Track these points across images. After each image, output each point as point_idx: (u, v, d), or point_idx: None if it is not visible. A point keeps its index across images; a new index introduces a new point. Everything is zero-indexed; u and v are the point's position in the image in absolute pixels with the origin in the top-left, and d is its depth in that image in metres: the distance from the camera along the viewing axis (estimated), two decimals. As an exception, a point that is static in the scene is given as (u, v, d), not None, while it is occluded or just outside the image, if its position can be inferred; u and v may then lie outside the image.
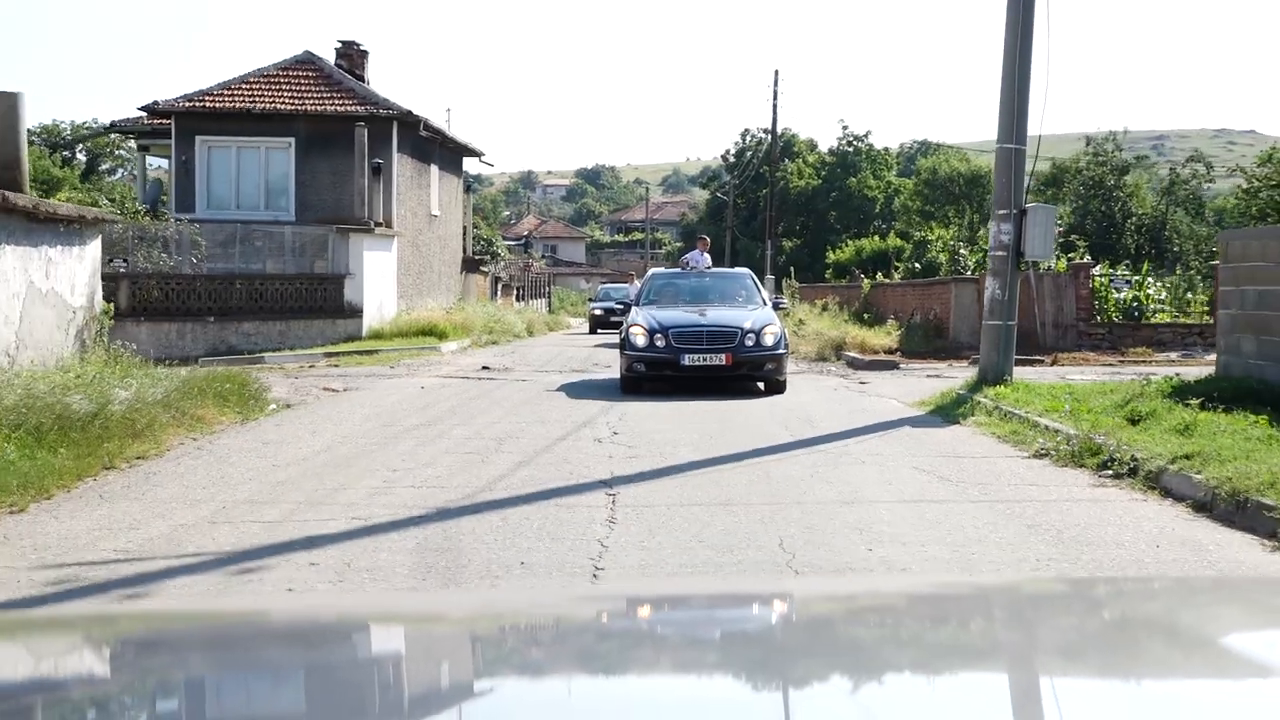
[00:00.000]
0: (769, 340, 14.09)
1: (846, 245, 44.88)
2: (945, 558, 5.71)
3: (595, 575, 5.36)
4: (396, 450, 9.35)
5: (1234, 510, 6.64)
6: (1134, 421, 9.43)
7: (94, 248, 13.22)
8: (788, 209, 60.33)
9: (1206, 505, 6.91)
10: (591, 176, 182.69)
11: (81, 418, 9.07)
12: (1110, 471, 8.11)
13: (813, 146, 68.28)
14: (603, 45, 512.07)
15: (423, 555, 5.77)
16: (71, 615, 2.91)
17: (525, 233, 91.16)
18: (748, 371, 14.20)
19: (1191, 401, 9.59)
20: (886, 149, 69.98)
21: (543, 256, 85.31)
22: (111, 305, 14.09)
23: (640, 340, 14.20)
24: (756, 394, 13.95)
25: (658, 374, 14.19)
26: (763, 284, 17.76)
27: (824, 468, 8.47)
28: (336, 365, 19.68)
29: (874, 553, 5.81)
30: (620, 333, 15.32)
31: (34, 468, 7.62)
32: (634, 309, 15.29)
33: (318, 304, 24.02)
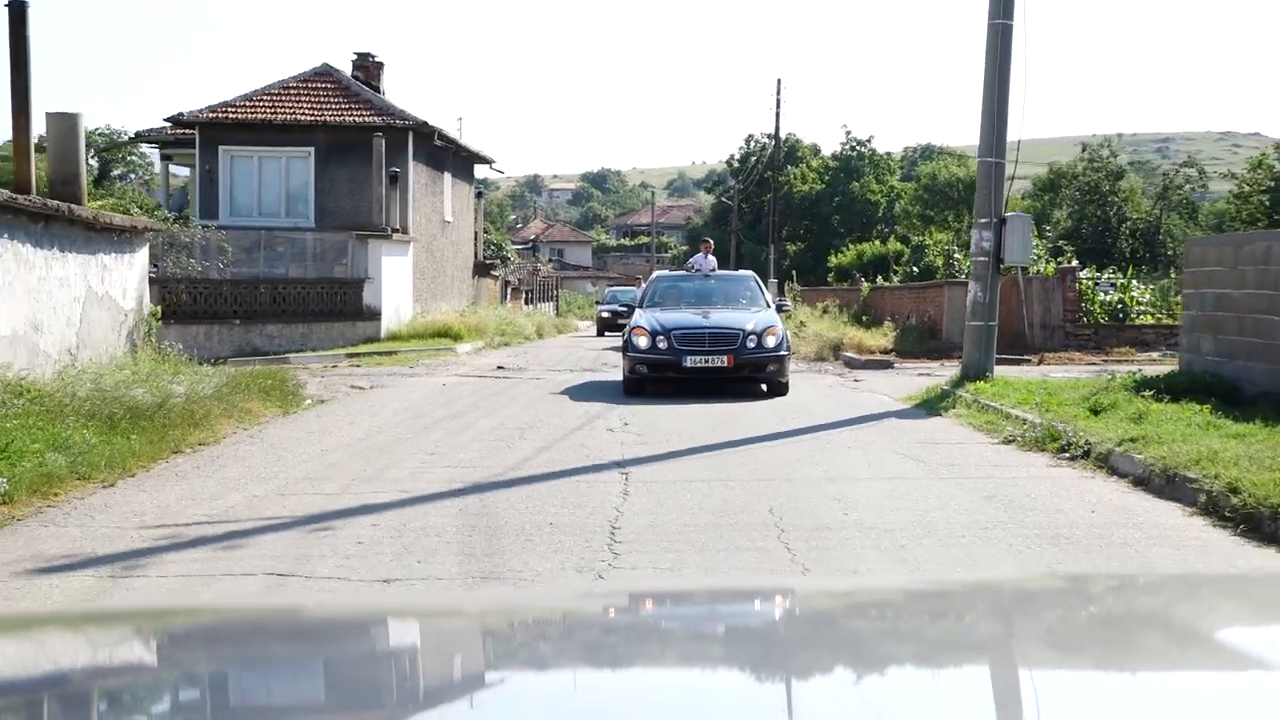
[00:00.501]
0: (771, 342, 14.33)
1: (848, 249, 45.87)
2: (909, 519, 6.73)
3: (613, 532, 6.38)
4: (429, 438, 10.38)
5: (1165, 484, 7.65)
6: (1096, 412, 10.44)
7: (142, 255, 14.29)
8: (792, 213, 61.36)
9: (1144, 480, 7.93)
10: (597, 180, 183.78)
11: (148, 409, 10.12)
12: (1067, 454, 9.12)
13: (816, 151, 69.28)
14: (608, 50, 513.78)
15: (466, 518, 6.81)
16: (117, 611, 3.18)
17: (532, 237, 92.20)
18: (749, 373, 14.41)
19: (1147, 394, 10.60)
20: (889, 154, 71.01)
21: (549, 260, 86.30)
22: (159, 308, 15.12)
23: (642, 342, 14.41)
24: (758, 394, 14.56)
25: (659, 375, 14.43)
26: (766, 287, 18.20)
27: (813, 452, 9.50)
28: (358, 365, 20.71)
29: (849, 516, 6.84)
30: (623, 334, 15.58)
31: (114, 451, 8.65)
32: (637, 311, 15.46)
33: (338, 307, 25.10)
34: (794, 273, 43.54)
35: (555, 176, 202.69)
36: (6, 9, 12.12)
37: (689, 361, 14.17)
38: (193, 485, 7.93)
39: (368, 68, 32.19)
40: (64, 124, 12.77)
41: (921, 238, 39.56)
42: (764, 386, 14.74)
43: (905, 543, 6.15)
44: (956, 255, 28.13)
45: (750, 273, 17.97)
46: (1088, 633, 1.97)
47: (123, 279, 13.56)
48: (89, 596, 5.18)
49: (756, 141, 68.29)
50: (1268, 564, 5.80)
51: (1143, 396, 10.67)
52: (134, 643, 1.95)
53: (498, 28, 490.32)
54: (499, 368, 19.59)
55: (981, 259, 13.97)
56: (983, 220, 13.98)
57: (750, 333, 14.37)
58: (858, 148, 66.26)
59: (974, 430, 10.92)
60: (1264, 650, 1.78)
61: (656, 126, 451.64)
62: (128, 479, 8.14)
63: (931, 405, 12.82)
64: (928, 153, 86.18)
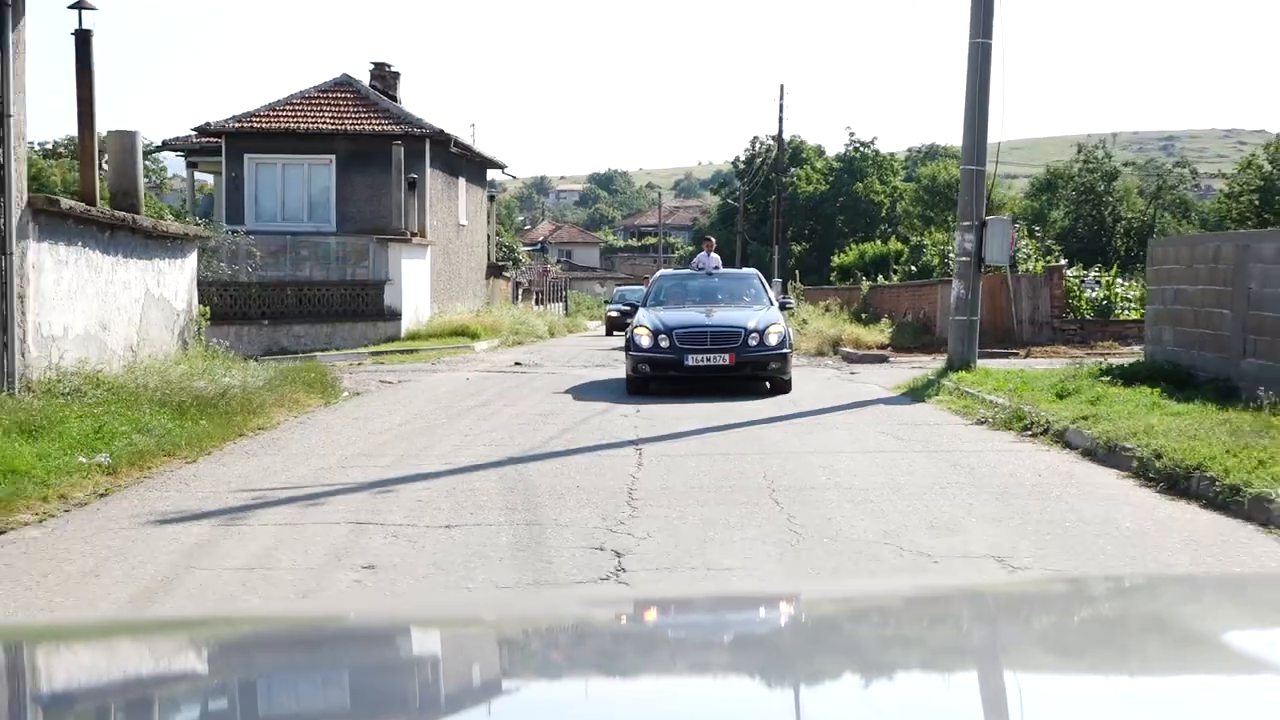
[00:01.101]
0: (773, 340, 14.38)
1: (851, 249, 46.98)
2: (881, 482, 7.92)
3: (631, 492, 7.58)
4: (462, 423, 11.59)
5: (1108, 454, 8.83)
6: (1061, 396, 11.62)
7: (192, 260, 15.52)
8: (796, 214, 62.56)
9: (1091, 451, 9.11)
10: (604, 181, 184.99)
11: (211, 398, 11.35)
12: (1030, 432, 10.31)
13: (821, 153, 70.50)
14: (614, 51, 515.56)
15: (504, 482, 8.02)
16: (166, 620, 3.26)
17: (541, 238, 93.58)
18: (751, 371, 14.49)
19: (1104, 379, 11.78)
20: (892, 154, 72.19)
21: (558, 261, 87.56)
22: (207, 309, 16.34)
23: (645, 341, 14.54)
24: (761, 390, 14.85)
25: (661, 374, 14.54)
26: (770, 286, 18.33)
27: (805, 432, 10.70)
28: (382, 363, 21.93)
29: (830, 480, 8.03)
30: (626, 334, 15.95)
31: (189, 433, 9.87)
32: (641, 310, 15.58)
33: (360, 308, 26.35)
34: (798, 272, 44.71)
35: (562, 178, 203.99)
36: (73, 36, 13.33)
37: (691, 360, 14.31)
38: (263, 461, 9.15)
39: (385, 77, 33.48)
40: (124, 141, 13.99)
41: (920, 238, 40.71)
42: (767, 384, 14.97)
43: (875, 498, 7.34)
44: (951, 255, 29.28)
45: (754, 271, 18.31)
46: (1087, 634, 2.02)
47: (175, 282, 14.78)
48: (209, 539, 6.38)
49: (761, 143, 69.54)
50: (1176, 513, 6.98)
51: (1104, 383, 11.85)
52: (174, 653, 2.02)
53: (505, 30, 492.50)
54: (516, 364, 20.78)
55: (964, 259, 15.16)
56: (965, 223, 15.16)
57: (752, 331, 14.46)
58: (861, 149, 67.44)
59: (952, 413, 12.09)
60: (1264, 651, 1.80)
61: (662, 128, 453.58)
62: (206, 456, 9.36)
63: (917, 393, 14.00)
64: (931, 153, 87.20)
